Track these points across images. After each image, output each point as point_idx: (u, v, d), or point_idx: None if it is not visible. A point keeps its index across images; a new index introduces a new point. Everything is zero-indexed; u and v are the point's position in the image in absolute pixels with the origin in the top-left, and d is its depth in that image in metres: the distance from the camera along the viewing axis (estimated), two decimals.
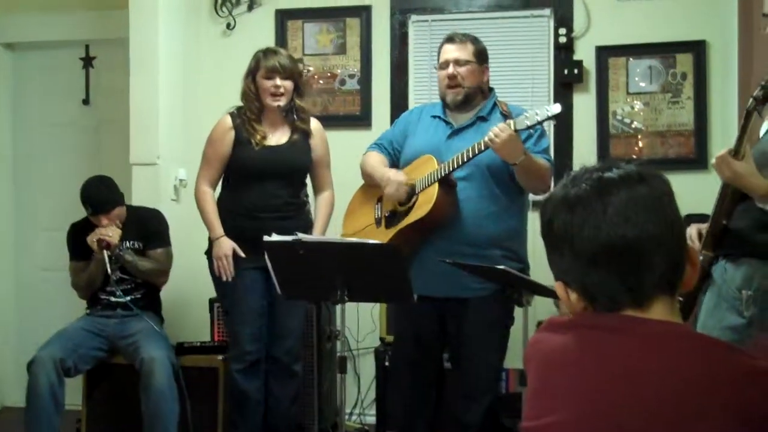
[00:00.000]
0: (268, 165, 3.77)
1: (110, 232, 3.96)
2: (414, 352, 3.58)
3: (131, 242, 4.09)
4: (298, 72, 3.88)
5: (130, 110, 4.50)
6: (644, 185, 1.33)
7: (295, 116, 3.86)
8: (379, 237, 3.45)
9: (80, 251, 4.08)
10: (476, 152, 3.27)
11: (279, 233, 3.20)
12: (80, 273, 4.13)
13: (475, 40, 3.54)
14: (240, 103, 3.90)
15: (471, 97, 3.50)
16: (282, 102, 3.78)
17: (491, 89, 3.61)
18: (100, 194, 4.01)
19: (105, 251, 3.94)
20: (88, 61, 5.32)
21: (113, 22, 4.82)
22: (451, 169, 3.33)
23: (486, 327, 3.43)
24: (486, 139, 3.22)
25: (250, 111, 3.81)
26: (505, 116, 3.43)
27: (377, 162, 3.66)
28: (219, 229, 3.78)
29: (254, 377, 3.86)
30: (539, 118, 3.19)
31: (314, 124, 3.94)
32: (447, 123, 3.55)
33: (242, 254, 3.75)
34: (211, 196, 3.86)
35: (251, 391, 3.85)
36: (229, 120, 3.84)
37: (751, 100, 2.62)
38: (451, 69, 3.46)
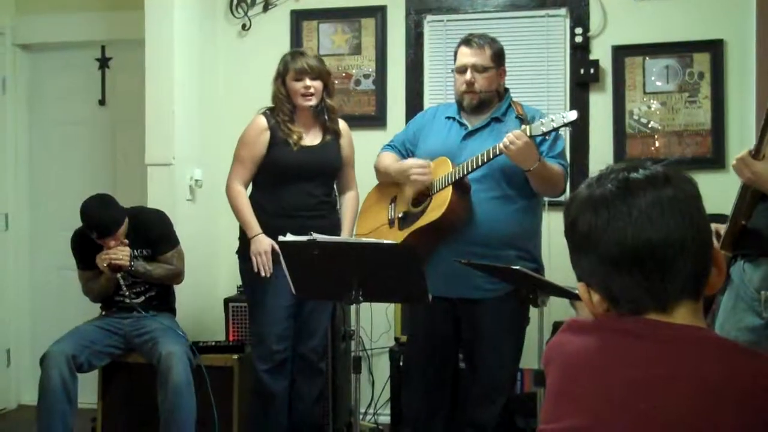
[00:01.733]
0: (305, 165, 3.79)
1: (120, 254, 3.91)
2: (428, 352, 3.59)
3: (139, 250, 4.06)
4: (326, 72, 3.89)
5: (145, 111, 4.51)
6: (670, 187, 1.31)
7: (326, 117, 3.88)
8: (392, 238, 3.45)
9: (88, 261, 4.03)
10: (491, 157, 3.29)
11: (316, 232, 3.20)
12: (90, 282, 4.12)
13: (492, 42, 3.54)
14: (256, 105, 3.91)
15: (487, 102, 3.52)
16: (313, 101, 3.80)
17: (506, 90, 3.60)
18: (103, 218, 3.93)
19: (117, 274, 3.93)
20: (104, 62, 5.34)
21: (129, 23, 4.83)
22: (465, 172, 3.34)
23: (500, 328, 3.44)
24: (501, 145, 3.22)
25: (283, 113, 3.82)
26: (521, 118, 3.43)
27: (392, 159, 3.69)
28: (257, 227, 3.78)
29: (281, 377, 3.86)
30: (555, 125, 3.19)
31: (342, 124, 3.97)
32: (461, 124, 3.55)
33: (280, 251, 3.74)
34: (245, 194, 3.86)
35: (278, 392, 3.85)
36: (263, 121, 3.84)
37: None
38: (469, 75, 3.47)
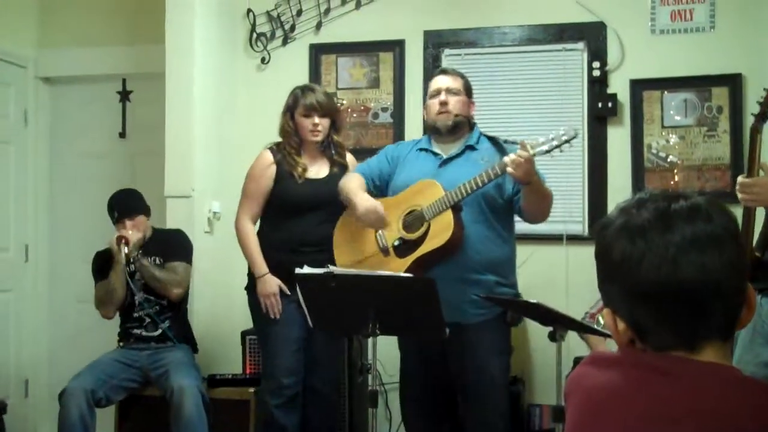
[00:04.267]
0: (310, 198, 3.80)
1: (130, 232, 4.08)
2: (420, 378, 3.61)
3: (152, 258, 4.16)
4: (334, 108, 3.95)
5: (165, 143, 4.55)
6: (710, 223, 1.26)
7: (333, 151, 3.91)
8: (393, 266, 3.43)
9: (104, 273, 4.16)
10: (491, 177, 3.29)
11: (319, 267, 3.19)
12: (101, 288, 4.19)
13: (464, 77, 3.69)
14: (276, 139, 3.94)
15: (459, 126, 3.58)
16: (320, 138, 3.85)
17: (475, 123, 3.68)
18: (127, 201, 4.20)
19: (123, 247, 4.02)
20: (124, 95, 5.40)
21: (150, 56, 4.89)
22: (463, 195, 3.34)
23: (487, 351, 3.45)
24: (509, 169, 3.18)
25: (290, 146, 3.86)
26: (495, 144, 3.50)
27: (358, 186, 3.65)
28: (263, 267, 3.80)
29: (293, 412, 3.83)
30: (556, 143, 3.20)
31: (350, 158, 4.00)
32: (435, 154, 3.60)
33: (288, 291, 3.75)
34: (254, 232, 3.88)
35: (289, 426, 3.82)
36: (269, 155, 3.87)
37: (752, 117, 2.63)
38: (443, 96, 3.57)
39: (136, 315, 4.14)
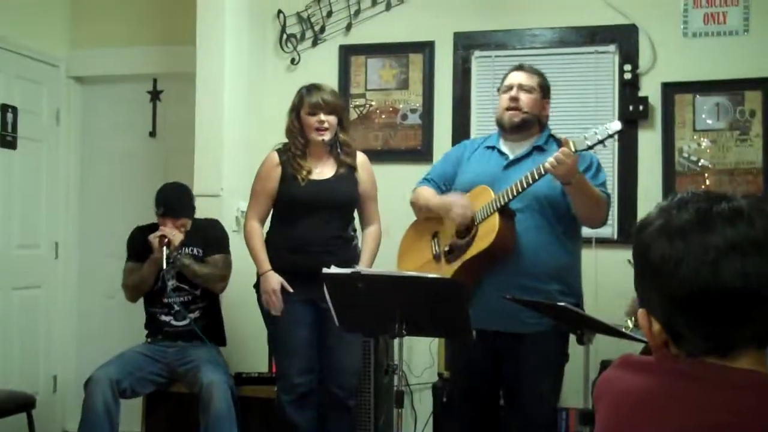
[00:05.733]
0: (314, 199, 3.78)
1: (173, 232, 4.06)
2: (468, 389, 3.54)
3: (191, 248, 4.17)
4: (341, 107, 3.93)
5: (195, 143, 4.58)
6: (752, 227, 1.21)
7: (339, 150, 3.88)
8: (440, 272, 3.38)
9: (139, 252, 4.17)
10: (536, 178, 3.21)
11: (326, 268, 3.18)
12: (132, 273, 4.20)
13: (542, 74, 3.55)
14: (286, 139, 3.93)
15: (529, 124, 3.47)
16: (327, 136, 3.81)
17: (546, 124, 3.58)
18: (177, 200, 4.18)
19: (165, 248, 4.00)
20: (155, 95, 5.44)
21: (181, 57, 4.93)
22: (510, 197, 3.26)
23: (541, 364, 3.37)
24: (547, 165, 3.15)
25: (295, 147, 3.85)
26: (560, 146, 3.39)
27: (431, 194, 3.62)
28: (266, 264, 3.81)
29: (305, 409, 3.84)
30: (600, 137, 3.13)
31: (360, 157, 3.95)
32: (502, 153, 3.51)
33: (290, 289, 3.76)
34: (259, 231, 3.90)
35: (301, 423, 3.83)
36: (276, 156, 3.88)
37: None
38: (514, 92, 3.45)
39: (165, 301, 4.15)
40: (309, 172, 3.82)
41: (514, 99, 3.45)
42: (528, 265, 3.32)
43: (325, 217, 3.80)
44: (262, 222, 3.94)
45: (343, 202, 3.87)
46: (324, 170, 3.86)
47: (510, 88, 3.48)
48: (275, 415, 4.04)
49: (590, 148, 3.16)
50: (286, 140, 3.93)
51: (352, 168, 3.89)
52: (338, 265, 3.26)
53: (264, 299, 3.81)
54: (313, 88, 3.86)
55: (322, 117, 3.78)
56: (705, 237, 1.21)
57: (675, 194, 1.31)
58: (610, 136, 3.14)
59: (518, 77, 3.49)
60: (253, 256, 3.88)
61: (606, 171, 4.53)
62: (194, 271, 4.08)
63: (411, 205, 3.70)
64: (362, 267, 3.75)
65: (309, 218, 3.79)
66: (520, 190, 3.24)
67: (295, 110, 3.86)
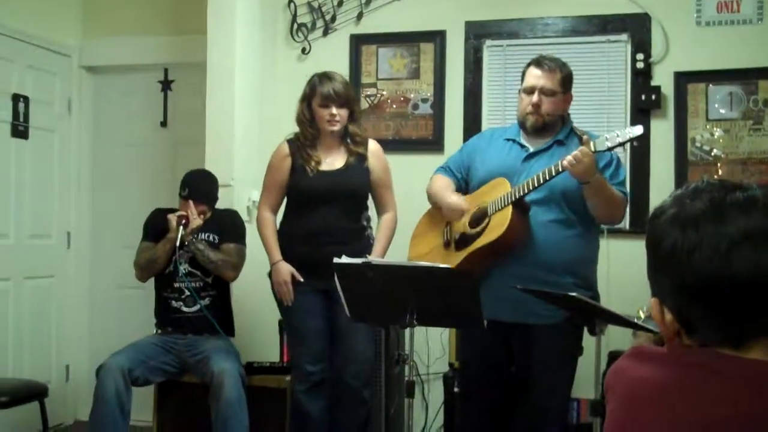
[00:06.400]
0: (323, 190, 3.78)
1: (193, 215, 4.07)
2: (482, 378, 3.53)
3: (207, 235, 4.17)
4: (352, 98, 3.90)
5: (206, 132, 4.58)
6: (767, 217, 1.20)
7: (349, 140, 3.87)
8: (448, 259, 3.41)
9: (156, 233, 4.18)
10: (552, 174, 3.21)
11: (337, 258, 3.18)
12: (146, 250, 4.21)
13: (563, 66, 3.49)
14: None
15: (550, 126, 3.46)
16: (338, 128, 3.81)
17: (568, 114, 3.56)
18: (204, 185, 4.20)
19: (181, 228, 4.01)
20: (166, 85, 5.44)
21: (192, 46, 4.93)
22: (525, 191, 3.27)
23: (554, 356, 3.37)
24: (565, 162, 3.15)
25: (305, 137, 3.85)
26: (581, 141, 3.37)
27: (442, 186, 3.64)
28: (277, 254, 3.82)
29: (317, 398, 3.85)
30: (620, 140, 3.13)
31: (372, 145, 3.94)
32: (522, 146, 3.50)
33: (300, 278, 3.78)
34: (271, 221, 3.91)
35: (314, 412, 3.84)
36: (286, 147, 3.88)
37: None
38: (536, 98, 3.41)
39: (176, 285, 4.16)
40: (318, 163, 3.81)
41: (536, 105, 3.41)
42: (544, 258, 3.32)
43: (335, 207, 3.80)
44: (275, 212, 3.94)
45: (354, 192, 3.86)
46: (335, 161, 3.85)
47: (532, 90, 3.43)
48: (286, 404, 4.06)
49: (610, 149, 3.17)
50: (297, 129, 3.92)
51: (363, 157, 3.87)
52: (350, 255, 3.26)
53: (276, 290, 3.82)
54: (324, 78, 3.84)
55: (334, 111, 3.77)
56: (718, 226, 1.20)
57: (689, 183, 1.30)
58: (631, 139, 3.14)
59: (539, 79, 3.42)
60: (265, 245, 3.89)
61: None
62: (208, 257, 4.08)
63: (426, 192, 3.72)
64: (374, 257, 3.75)
65: (320, 209, 3.79)
66: (536, 185, 3.25)
67: (307, 99, 3.84)
